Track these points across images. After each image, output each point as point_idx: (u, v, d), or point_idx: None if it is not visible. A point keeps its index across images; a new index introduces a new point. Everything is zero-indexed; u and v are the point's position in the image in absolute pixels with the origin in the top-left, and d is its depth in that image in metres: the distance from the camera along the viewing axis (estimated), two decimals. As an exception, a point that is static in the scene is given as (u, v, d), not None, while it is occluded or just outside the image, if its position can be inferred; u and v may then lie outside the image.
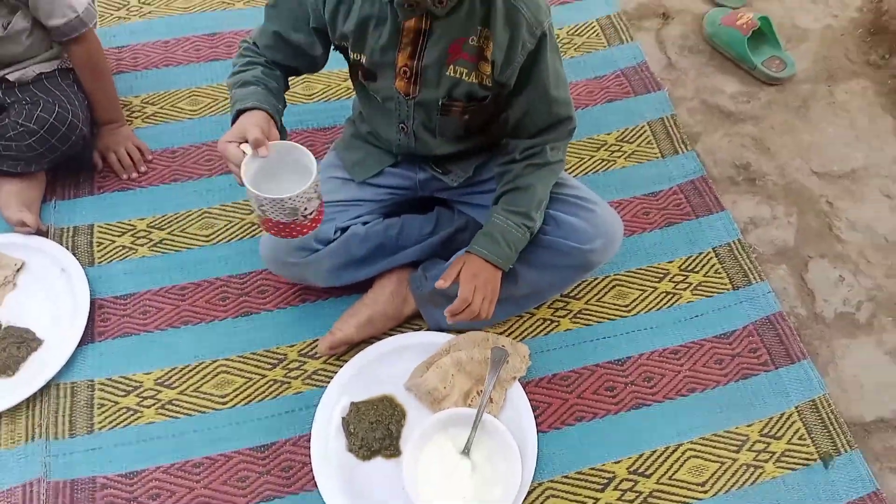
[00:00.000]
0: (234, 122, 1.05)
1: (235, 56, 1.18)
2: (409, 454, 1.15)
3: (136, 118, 1.56)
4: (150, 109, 1.58)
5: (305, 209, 1.00)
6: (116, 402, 1.23)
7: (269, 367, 1.28)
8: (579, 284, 1.37)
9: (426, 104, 1.14)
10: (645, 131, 1.60)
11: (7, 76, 1.39)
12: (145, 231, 1.42)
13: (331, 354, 1.27)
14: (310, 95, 1.63)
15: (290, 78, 1.22)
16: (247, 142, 0.97)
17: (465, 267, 1.16)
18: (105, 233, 1.41)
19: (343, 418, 1.21)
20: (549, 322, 1.34)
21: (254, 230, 1.42)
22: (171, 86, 1.62)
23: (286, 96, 1.19)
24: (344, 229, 1.26)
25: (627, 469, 1.20)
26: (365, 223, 1.28)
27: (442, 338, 1.28)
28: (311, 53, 1.17)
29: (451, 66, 1.08)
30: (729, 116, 1.65)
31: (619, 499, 1.18)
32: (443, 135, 1.21)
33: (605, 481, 1.19)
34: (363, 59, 1.13)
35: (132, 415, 1.22)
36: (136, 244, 1.40)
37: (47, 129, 1.33)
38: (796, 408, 1.27)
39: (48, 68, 1.43)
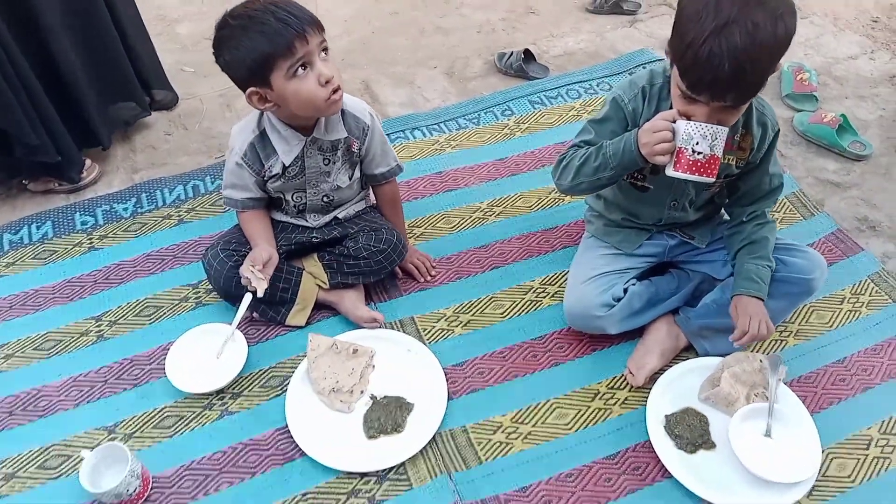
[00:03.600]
0: (636, 144, 1.44)
1: (568, 161, 1.59)
2: (733, 441, 1.52)
3: (411, 237, 2.00)
4: (418, 231, 2.03)
5: (718, 149, 1.39)
6: (490, 439, 1.59)
7: (590, 399, 1.66)
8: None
9: (698, 184, 1.62)
10: (786, 203, 2.12)
11: (337, 215, 1.83)
12: (454, 316, 1.82)
13: (644, 385, 1.66)
14: (529, 207, 2.10)
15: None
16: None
17: (740, 306, 1.59)
18: (425, 321, 1.81)
19: (664, 427, 1.59)
20: (780, 342, 1.78)
21: (535, 306, 1.84)
22: (425, 213, 2.08)
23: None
24: (625, 290, 1.70)
25: (878, 431, 1.60)
26: (633, 285, 1.73)
27: (713, 360, 1.70)
28: None
29: (724, 156, 1.57)
30: (838, 186, 2.20)
31: (881, 453, 1.57)
32: (695, 205, 1.69)
33: (867, 441, 1.58)
34: None
35: (506, 446, 1.58)
36: (451, 326, 1.80)
37: (392, 247, 1.76)
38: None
39: (360, 207, 1.87)
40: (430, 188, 2.16)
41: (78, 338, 1.78)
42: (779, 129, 1.60)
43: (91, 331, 1.79)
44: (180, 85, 2.53)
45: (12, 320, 1.82)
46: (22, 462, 1.55)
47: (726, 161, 1.58)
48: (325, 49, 1.52)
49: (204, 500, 1.49)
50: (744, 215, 1.68)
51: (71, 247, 2.00)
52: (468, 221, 2.06)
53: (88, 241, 2.01)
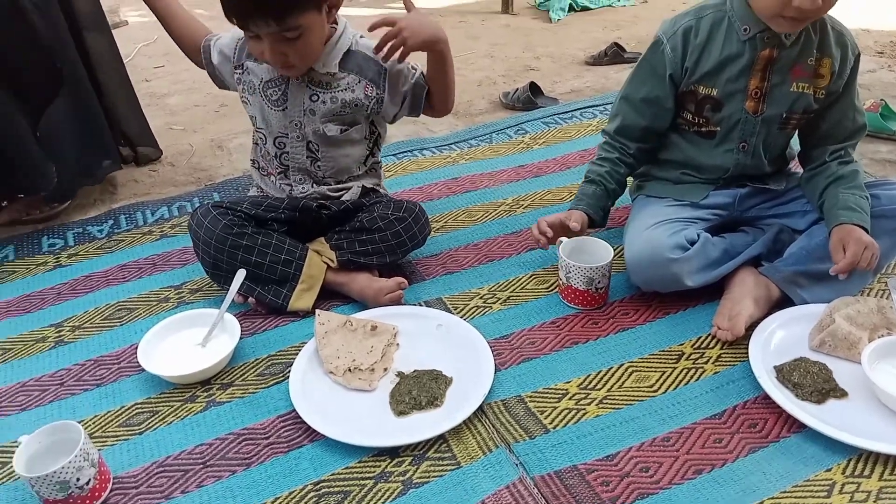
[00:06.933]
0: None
1: (598, 147, 1.52)
2: (874, 380, 1.17)
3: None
4: (437, 225, 1.77)
5: (599, 283, 1.41)
6: (555, 407, 1.23)
7: (673, 360, 1.32)
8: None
9: (770, 119, 1.42)
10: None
11: (342, 197, 1.60)
12: (489, 294, 1.51)
13: (741, 339, 1.33)
14: (561, 199, 1.86)
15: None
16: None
17: (843, 236, 1.32)
18: (455, 301, 1.50)
19: (776, 378, 1.24)
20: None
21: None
22: (443, 210, 1.83)
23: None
24: (698, 236, 1.42)
25: None
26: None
27: (816, 308, 1.38)
28: (666, 106, 1.46)
29: (795, 83, 1.38)
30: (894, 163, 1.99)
31: None
32: (770, 153, 1.47)
33: None
34: (715, 93, 1.41)
35: (577, 413, 1.21)
36: (488, 304, 1.49)
37: (413, 217, 1.50)
38: None
39: (368, 188, 1.63)
40: (446, 191, 1.93)
41: (32, 345, 1.45)
42: (859, 53, 1.42)
43: (49, 337, 1.46)
44: (169, 139, 2.36)
45: (-48, 335, 1.49)
46: (-60, 474, 1.16)
47: (801, 90, 1.39)
48: (288, 38, 1.33)
49: (182, 498, 1.10)
50: (825, 155, 1.46)
51: (34, 266, 1.70)
52: (493, 214, 1.81)
53: (55, 260, 1.72)
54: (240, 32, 1.42)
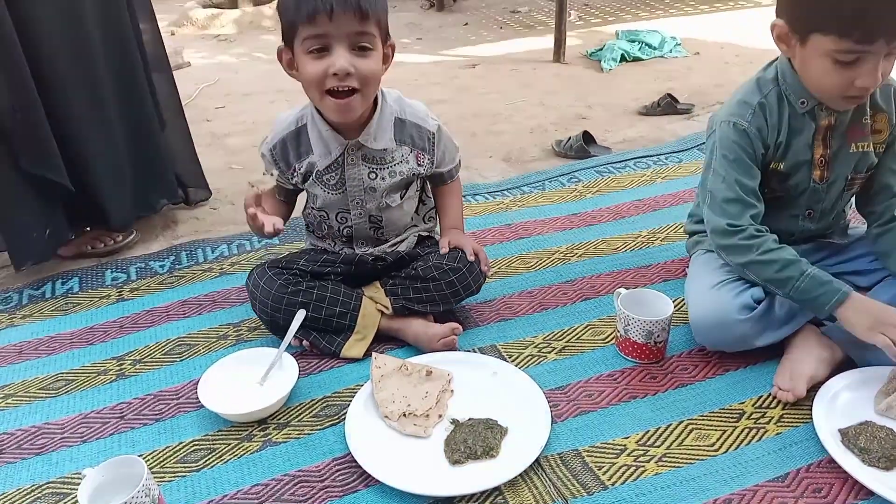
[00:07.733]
0: (833, 306, 1.27)
1: (746, 244, 1.35)
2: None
3: (484, 276, 1.73)
4: (491, 270, 1.77)
5: (658, 337, 1.39)
6: (613, 463, 1.21)
7: (734, 419, 1.30)
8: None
9: (835, 182, 1.41)
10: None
11: (398, 248, 1.61)
12: (544, 343, 1.51)
13: (804, 399, 1.31)
14: (615, 249, 1.85)
15: None
16: None
17: None
18: (510, 349, 1.50)
19: (842, 442, 1.21)
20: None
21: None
22: (498, 256, 1.84)
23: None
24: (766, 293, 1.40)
25: None
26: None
27: (881, 370, 1.34)
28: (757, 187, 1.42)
29: (853, 144, 1.38)
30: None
31: None
32: (836, 217, 1.48)
33: None
34: (782, 166, 1.40)
35: (636, 470, 1.19)
36: (543, 353, 1.48)
37: (468, 268, 1.51)
38: None
39: (424, 234, 1.66)
40: (500, 237, 1.94)
41: (94, 377, 1.48)
42: None
43: (111, 370, 1.50)
44: (229, 178, 2.44)
45: (19, 363, 1.54)
46: (6, 502, 1.19)
47: (860, 149, 1.39)
48: (363, 47, 1.32)
49: (237, 539, 1.10)
50: (893, 209, 1.44)
51: (97, 299, 1.76)
52: (547, 262, 1.81)
53: (118, 294, 1.77)
54: (268, 146, 1.48)
